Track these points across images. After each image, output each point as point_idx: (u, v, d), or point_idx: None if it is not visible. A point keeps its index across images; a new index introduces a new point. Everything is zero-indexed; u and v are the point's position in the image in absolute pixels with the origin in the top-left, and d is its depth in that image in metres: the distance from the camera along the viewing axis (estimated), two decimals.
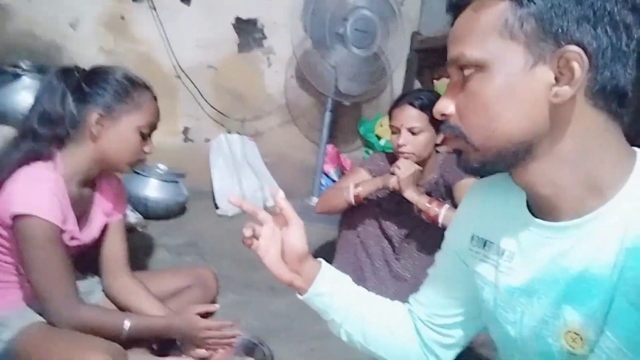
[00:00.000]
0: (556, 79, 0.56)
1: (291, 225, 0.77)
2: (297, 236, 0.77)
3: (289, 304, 1.82)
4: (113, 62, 2.30)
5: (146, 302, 1.25)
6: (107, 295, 1.29)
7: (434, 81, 3.04)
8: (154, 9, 2.34)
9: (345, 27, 2.24)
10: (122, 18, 2.32)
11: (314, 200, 2.51)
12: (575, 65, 0.55)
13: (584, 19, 0.55)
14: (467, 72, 0.60)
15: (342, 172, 2.77)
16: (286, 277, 0.79)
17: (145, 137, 1.17)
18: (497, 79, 0.58)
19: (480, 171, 0.65)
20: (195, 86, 2.48)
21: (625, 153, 0.59)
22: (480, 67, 0.58)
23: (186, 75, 2.46)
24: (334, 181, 2.70)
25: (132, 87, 1.15)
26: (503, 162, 0.62)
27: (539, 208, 0.65)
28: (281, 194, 0.77)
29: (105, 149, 1.13)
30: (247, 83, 2.63)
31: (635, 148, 0.60)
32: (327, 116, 2.47)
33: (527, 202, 0.67)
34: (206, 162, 2.48)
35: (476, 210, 0.76)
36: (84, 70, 1.17)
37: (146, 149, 1.18)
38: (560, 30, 0.55)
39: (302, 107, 2.73)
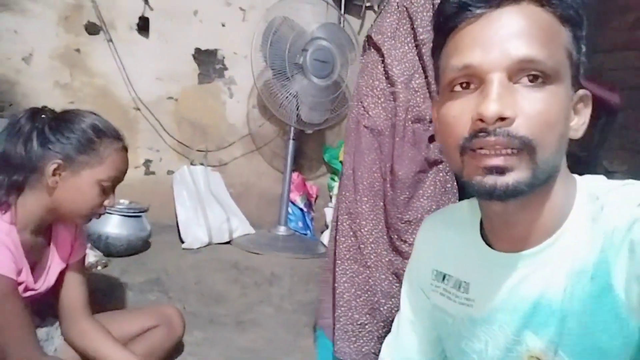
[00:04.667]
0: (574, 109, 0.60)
1: None
2: None
3: (255, 339, 1.79)
4: (69, 97, 2.26)
5: (106, 347, 1.20)
6: (67, 341, 1.23)
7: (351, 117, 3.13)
8: (111, 41, 2.31)
9: (304, 57, 2.27)
10: (78, 51, 2.28)
11: (281, 229, 2.49)
12: (587, 108, 0.61)
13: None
14: (534, 79, 0.55)
15: (308, 199, 2.77)
16: None
17: (106, 190, 1.11)
18: (565, 95, 0.57)
19: (518, 196, 0.57)
20: (155, 118, 2.45)
21: (570, 181, 0.62)
22: (551, 78, 0.55)
23: (146, 107, 2.43)
24: (300, 209, 2.70)
25: (98, 137, 1.09)
26: (539, 186, 0.57)
27: (497, 239, 0.66)
28: None
29: (60, 200, 1.08)
30: (209, 114, 2.61)
31: (575, 175, 0.63)
32: (291, 144, 2.48)
33: (481, 233, 0.69)
34: (169, 195, 2.44)
35: (433, 245, 0.77)
36: (52, 111, 1.12)
37: (106, 202, 1.13)
38: (580, 76, 0.60)
39: (265, 137, 2.74)
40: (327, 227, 2.58)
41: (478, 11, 0.56)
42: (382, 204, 1.38)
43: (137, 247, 2.09)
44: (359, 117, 1.39)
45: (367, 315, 1.39)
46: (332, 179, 2.94)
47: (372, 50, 1.42)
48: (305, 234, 2.68)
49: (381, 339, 1.25)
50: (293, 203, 2.66)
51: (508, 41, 0.54)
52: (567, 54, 0.57)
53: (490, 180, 0.55)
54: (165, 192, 2.45)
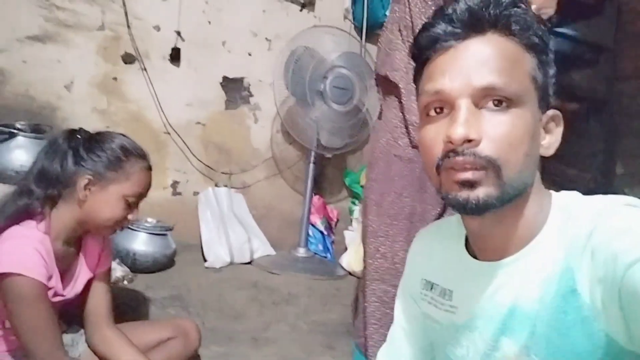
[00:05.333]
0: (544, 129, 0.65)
1: None
2: None
3: (270, 355, 1.83)
4: (105, 121, 2.42)
5: (127, 353, 1.27)
6: (90, 347, 1.31)
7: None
8: (145, 70, 2.47)
9: (324, 84, 2.37)
10: (115, 79, 2.45)
11: (301, 251, 2.55)
12: (558, 127, 0.66)
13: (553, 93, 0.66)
14: (499, 104, 0.60)
15: (328, 222, 2.83)
16: None
17: (131, 205, 1.21)
18: (530, 117, 0.61)
19: (491, 210, 0.61)
20: (184, 142, 2.57)
21: (544, 192, 0.67)
22: (514, 102, 0.60)
23: (175, 131, 2.56)
24: (321, 232, 2.75)
25: (126, 156, 1.19)
26: (509, 201, 0.62)
27: (479, 250, 0.71)
28: None
29: (89, 213, 1.18)
30: (234, 138, 2.73)
31: (551, 191, 0.68)
32: (311, 168, 2.56)
33: (466, 244, 0.73)
34: (194, 215, 2.54)
35: (424, 255, 0.81)
36: (86, 132, 1.23)
37: (130, 216, 1.22)
38: (549, 97, 0.65)
39: (287, 160, 2.83)
40: (346, 249, 2.62)
41: (446, 44, 0.62)
42: (410, 223, 1.45)
43: (162, 264, 2.18)
44: (389, 147, 1.49)
45: None
46: (353, 203, 2.99)
47: (391, 86, 1.52)
48: (325, 257, 2.72)
49: None
50: (313, 226, 2.72)
51: (473, 70, 0.60)
52: (530, 78, 0.62)
53: (464, 194, 0.60)
54: (191, 212, 2.55)
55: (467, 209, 0.61)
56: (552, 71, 0.64)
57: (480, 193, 0.60)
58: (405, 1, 1.47)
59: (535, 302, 0.62)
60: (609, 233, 0.54)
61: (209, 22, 2.62)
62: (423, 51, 0.65)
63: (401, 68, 1.47)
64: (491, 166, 0.59)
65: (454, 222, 0.79)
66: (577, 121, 2.50)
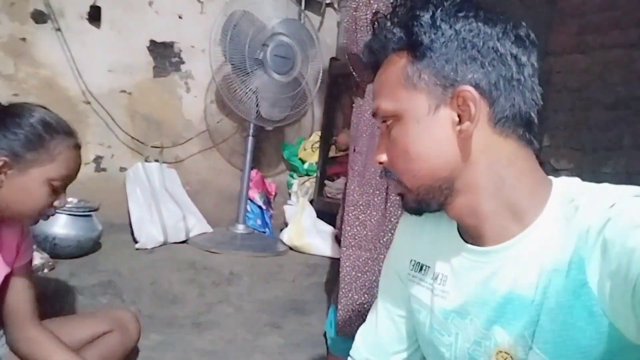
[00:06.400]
0: (459, 117, 0.62)
1: None
2: None
3: (214, 340, 1.75)
4: (12, 88, 2.12)
5: (56, 354, 1.13)
6: (12, 350, 1.15)
7: (353, 105, 3.14)
8: (59, 30, 2.19)
9: (265, 52, 2.23)
10: (24, 40, 2.15)
11: (240, 227, 2.45)
12: (470, 102, 0.60)
13: (471, 60, 0.61)
14: (388, 122, 0.67)
15: (267, 197, 2.74)
16: None
17: (57, 190, 1.04)
18: (410, 125, 0.64)
19: (419, 211, 0.70)
20: (107, 112, 2.34)
21: (540, 180, 0.64)
22: (396, 117, 0.65)
23: (96, 100, 2.31)
24: (259, 207, 2.66)
25: (48, 133, 1.01)
26: (434, 199, 0.67)
27: (468, 234, 0.69)
28: None
29: (6, 200, 0.99)
30: (164, 109, 2.53)
31: (551, 177, 0.65)
32: (250, 141, 2.44)
33: (458, 228, 0.71)
34: (122, 193, 2.34)
35: (413, 236, 0.79)
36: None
37: (56, 203, 1.05)
38: (452, 74, 0.62)
39: (223, 133, 2.68)
40: (286, 224, 2.56)
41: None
42: (387, 195, 1.54)
43: (87, 248, 1.99)
44: (373, 121, 1.54)
45: (365, 295, 1.51)
46: (292, 176, 2.92)
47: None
48: (264, 232, 2.65)
49: None
50: (252, 200, 2.62)
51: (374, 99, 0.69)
52: (409, 83, 0.64)
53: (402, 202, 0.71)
54: (118, 190, 2.35)
55: (410, 212, 0.72)
56: (439, 56, 0.62)
57: (406, 201, 0.70)
58: None
59: (535, 292, 0.60)
60: (624, 226, 0.52)
61: None
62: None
63: None
64: (394, 177, 0.68)
65: None
66: None
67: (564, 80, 2.49)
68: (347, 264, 1.53)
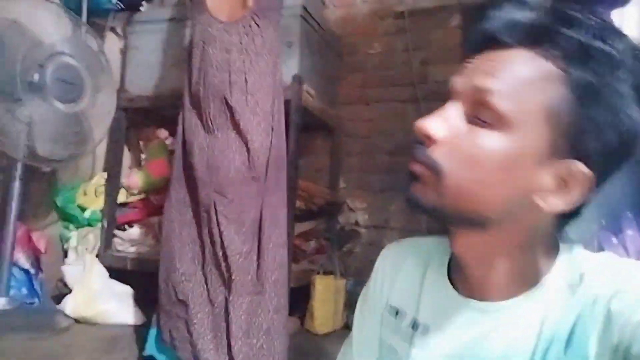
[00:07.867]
0: (558, 188, 0.54)
1: None
2: None
3: None
4: None
5: None
6: None
7: (140, 142, 2.79)
8: None
9: (43, 75, 1.77)
10: None
11: (1, 301, 1.83)
12: (578, 187, 0.53)
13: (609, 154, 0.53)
14: (483, 116, 0.53)
15: (35, 256, 2.14)
16: None
17: None
18: (510, 147, 0.52)
19: (427, 214, 0.57)
20: None
21: (553, 245, 0.61)
22: (507, 126, 0.52)
23: None
24: (25, 271, 2.05)
25: None
26: (456, 220, 0.57)
27: (464, 283, 0.63)
28: None
29: None
30: None
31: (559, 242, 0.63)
32: (17, 186, 1.88)
33: (448, 273, 0.65)
34: None
35: (390, 275, 0.71)
36: None
37: None
38: (587, 149, 0.52)
39: None
40: (64, 291, 2.04)
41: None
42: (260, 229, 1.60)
43: None
44: (242, 169, 1.60)
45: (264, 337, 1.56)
46: (66, 227, 2.37)
47: None
48: (32, 303, 2.04)
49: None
50: (15, 264, 2.00)
51: (478, 75, 0.54)
52: (546, 112, 0.52)
53: (409, 183, 0.57)
54: None
55: (404, 198, 0.57)
56: (606, 118, 0.51)
57: (419, 189, 0.56)
58: None
59: (530, 357, 0.56)
60: (632, 300, 0.51)
61: None
62: (469, 48, 0.57)
63: None
64: (434, 170, 0.54)
65: (432, 244, 0.70)
66: (309, 140, 2.70)
67: (354, 128, 2.74)
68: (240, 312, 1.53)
